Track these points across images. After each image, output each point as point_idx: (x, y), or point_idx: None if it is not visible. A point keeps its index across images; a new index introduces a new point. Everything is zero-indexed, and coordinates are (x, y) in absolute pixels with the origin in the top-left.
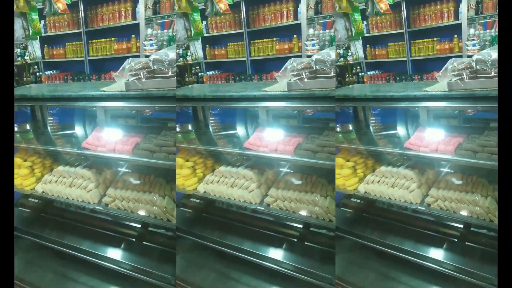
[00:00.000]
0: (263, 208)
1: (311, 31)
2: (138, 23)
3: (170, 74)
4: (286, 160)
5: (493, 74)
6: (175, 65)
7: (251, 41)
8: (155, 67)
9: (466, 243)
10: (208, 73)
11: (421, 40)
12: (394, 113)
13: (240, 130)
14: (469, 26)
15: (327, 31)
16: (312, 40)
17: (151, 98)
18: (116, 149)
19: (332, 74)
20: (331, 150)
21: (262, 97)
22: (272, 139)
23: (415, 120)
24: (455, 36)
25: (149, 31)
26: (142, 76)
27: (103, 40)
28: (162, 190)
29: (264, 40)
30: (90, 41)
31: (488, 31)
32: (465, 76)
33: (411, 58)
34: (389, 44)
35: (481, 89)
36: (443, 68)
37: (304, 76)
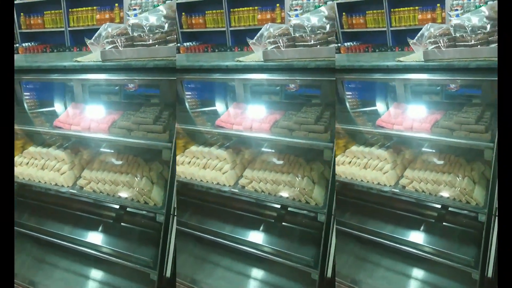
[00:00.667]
0: (237, 190)
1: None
2: None
3: (150, 41)
4: (260, 139)
5: (473, 42)
6: (158, 31)
7: (231, 10)
8: (134, 33)
9: (444, 223)
10: (185, 44)
11: (401, 9)
12: (372, 88)
13: (219, 107)
14: None
15: (311, 0)
16: (296, 10)
17: (129, 69)
18: (91, 127)
19: (313, 42)
20: (309, 128)
21: (235, 67)
22: (247, 116)
23: (395, 95)
24: (438, 5)
25: None
26: (120, 44)
27: (84, 8)
28: (140, 171)
29: (245, 8)
30: (70, 10)
31: (472, 0)
32: (442, 44)
33: (391, 29)
34: (367, 12)
35: (459, 59)
36: (418, 35)
37: (282, 44)
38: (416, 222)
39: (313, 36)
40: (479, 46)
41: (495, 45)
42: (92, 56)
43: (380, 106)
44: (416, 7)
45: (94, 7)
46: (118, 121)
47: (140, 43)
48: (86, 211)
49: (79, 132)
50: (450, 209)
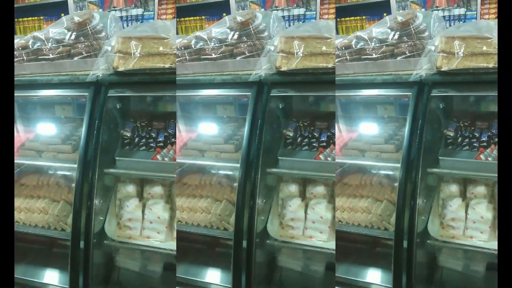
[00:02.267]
0: None
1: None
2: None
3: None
4: None
5: (374, 55)
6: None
7: (178, 19)
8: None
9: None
10: None
11: (348, 18)
12: None
13: None
14: (398, 3)
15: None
16: None
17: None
18: None
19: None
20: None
21: None
22: None
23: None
24: (384, 14)
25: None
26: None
27: (31, 18)
28: (59, 193)
29: (192, 18)
30: (17, 20)
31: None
32: (346, 57)
33: None
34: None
35: (365, 74)
36: None
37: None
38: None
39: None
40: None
41: (401, 58)
42: None
43: None
44: (364, 17)
45: (41, 17)
46: (26, 142)
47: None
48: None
49: None
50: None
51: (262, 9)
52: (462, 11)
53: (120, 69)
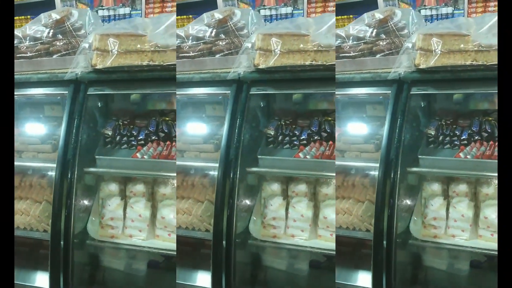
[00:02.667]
0: None
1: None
2: None
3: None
4: None
5: (352, 53)
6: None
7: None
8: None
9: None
10: None
11: (337, 17)
12: None
13: None
14: (386, 2)
15: None
16: None
17: None
18: None
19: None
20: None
21: None
22: None
23: None
24: None
25: None
26: None
27: (17, 18)
28: (41, 194)
29: (179, 17)
30: None
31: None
32: None
33: None
34: None
35: (343, 72)
36: None
37: None
38: None
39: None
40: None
41: (380, 56)
42: None
43: None
44: (351, 16)
45: (29, 16)
46: None
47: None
48: None
49: None
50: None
51: (250, 8)
52: (449, 10)
53: (99, 66)
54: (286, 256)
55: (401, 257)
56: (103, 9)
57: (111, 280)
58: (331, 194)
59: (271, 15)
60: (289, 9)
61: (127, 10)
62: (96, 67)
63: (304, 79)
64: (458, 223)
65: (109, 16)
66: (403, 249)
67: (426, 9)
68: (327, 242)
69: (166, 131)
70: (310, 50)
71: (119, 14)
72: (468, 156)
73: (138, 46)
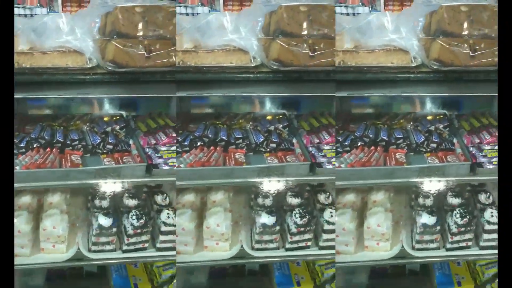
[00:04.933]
0: None
1: None
2: None
3: None
4: None
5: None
6: None
7: None
8: None
9: None
10: None
11: None
12: None
13: None
14: None
15: None
16: None
17: None
18: None
19: None
20: None
21: None
22: None
23: None
24: None
25: None
26: None
27: None
28: None
29: None
30: None
31: None
32: None
33: None
34: None
35: None
36: None
37: None
38: None
39: None
40: None
41: None
42: None
43: None
44: None
45: None
46: None
47: None
48: None
49: None
50: None
51: None
52: (366, 10)
53: None
54: None
55: None
56: (19, 8)
57: None
58: None
59: (186, 13)
60: (205, 9)
61: (44, 10)
62: None
63: None
64: (340, 238)
65: (25, 15)
66: None
67: (341, 6)
68: None
69: None
70: None
71: (36, 14)
72: (342, 165)
73: None
